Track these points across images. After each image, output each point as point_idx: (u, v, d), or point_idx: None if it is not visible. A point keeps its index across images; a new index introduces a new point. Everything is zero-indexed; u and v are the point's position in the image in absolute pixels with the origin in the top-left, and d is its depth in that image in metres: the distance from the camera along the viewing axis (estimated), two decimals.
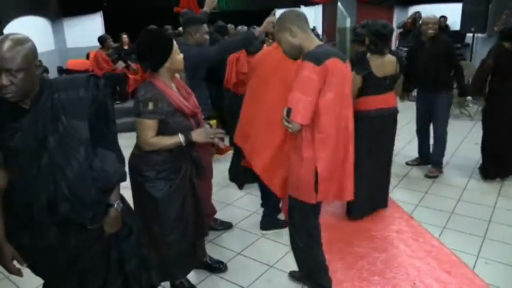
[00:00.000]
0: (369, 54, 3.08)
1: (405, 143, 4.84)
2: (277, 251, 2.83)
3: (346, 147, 2.03)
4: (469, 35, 7.34)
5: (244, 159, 2.60)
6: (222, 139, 2.09)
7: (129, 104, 6.50)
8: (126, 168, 1.72)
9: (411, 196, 3.62)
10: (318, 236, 2.21)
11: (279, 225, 3.09)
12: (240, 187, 3.89)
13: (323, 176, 1.96)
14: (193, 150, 2.13)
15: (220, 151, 4.76)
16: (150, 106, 1.91)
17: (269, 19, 2.70)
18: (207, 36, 2.79)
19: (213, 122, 3.94)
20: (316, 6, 9.39)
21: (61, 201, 1.44)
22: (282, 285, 2.51)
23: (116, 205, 1.63)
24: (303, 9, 9.17)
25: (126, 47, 7.18)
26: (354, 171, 2.11)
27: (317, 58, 1.84)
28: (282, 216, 3.19)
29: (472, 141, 5.04)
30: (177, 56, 2.00)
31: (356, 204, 3.11)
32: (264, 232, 3.08)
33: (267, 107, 2.42)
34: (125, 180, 1.66)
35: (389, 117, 3.16)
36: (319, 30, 9.59)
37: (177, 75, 2.15)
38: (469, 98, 6.72)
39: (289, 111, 1.85)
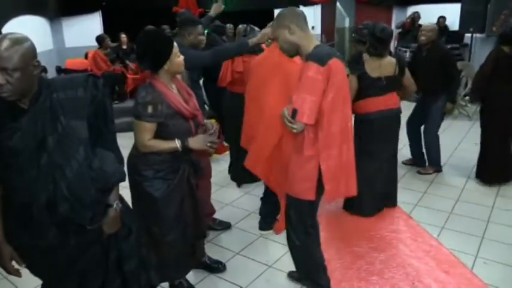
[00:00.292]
0: (365, 55, 3.07)
1: (404, 143, 4.83)
2: (276, 251, 2.83)
3: (348, 145, 2.05)
4: (468, 35, 7.35)
5: (249, 160, 2.61)
6: (214, 147, 2.09)
7: (128, 103, 6.48)
8: (125, 168, 1.72)
9: (410, 196, 3.62)
10: (315, 235, 2.22)
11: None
12: (239, 185, 3.92)
13: (329, 175, 1.97)
14: (191, 153, 2.12)
15: (219, 150, 4.76)
16: (150, 109, 1.90)
17: (265, 31, 2.72)
18: (201, 37, 2.79)
19: (212, 121, 3.95)
20: (315, 6, 9.39)
21: (60, 201, 1.44)
22: (280, 285, 2.51)
23: (115, 205, 1.63)
24: (302, 9, 9.17)
25: (124, 47, 7.18)
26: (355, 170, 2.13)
27: (321, 59, 1.85)
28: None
29: (471, 141, 5.05)
30: (177, 59, 1.99)
31: (358, 204, 3.17)
32: (263, 232, 3.08)
33: (268, 108, 2.43)
34: (124, 180, 1.65)
35: (391, 119, 3.15)
36: (318, 30, 9.59)
37: (178, 76, 2.15)
38: (468, 98, 6.75)
39: (294, 112, 1.86)
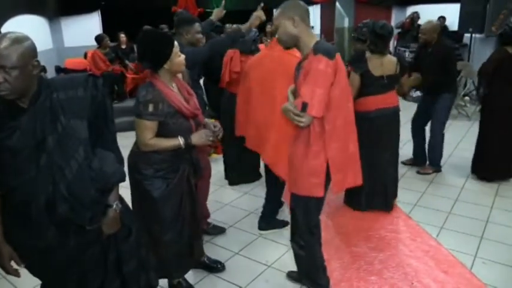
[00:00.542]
0: (368, 53, 3.09)
1: (403, 142, 4.83)
2: (276, 250, 2.83)
3: (353, 137, 2.07)
4: (467, 35, 7.35)
5: (269, 157, 2.65)
6: (218, 135, 2.13)
7: (128, 103, 6.48)
8: (125, 168, 1.72)
9: (409, 196, 3.62)
10: (318, 235, 2.22)
11: (277, 225, 3.10)
12: (231, 184, 3.93)
13: (337, 167, 1.98)
14: (192, 151, 2.14)
15: (218, 150, 4.76)
16: (150, 108, 1.92)
17: (256, 14, 2.71)
18: (199, 36, 2.80)
19: (211, 120, 3.96)
20: (314, 6, 9.39)
21: (60, 202, 1.44)
22: (280, 285, 2.51)
23: (114, 206, 1.62)
24: None
25: (123, 46, 7.17)
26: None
27: (330, 52, 1.86)
28: (280, 217, 3.20)
29: (470, 141, 5.04)
30: (177, 58, 1.99)
31: (361, 200, 3.24)
32: (262, 232, 3.08)
33: (278, 105, 2.45)
34: (123, 180, 1.65)
35: (391, 117, 3.17)
36: (317, 30, 9.59)
37: (179, 75, 2.15)
38: (467, 98, 6.76)
39: (305, 105, 1.82)
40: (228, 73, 3.63)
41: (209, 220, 3.10)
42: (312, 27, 9.20)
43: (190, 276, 2.50)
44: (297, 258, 2.30)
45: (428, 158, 4.18)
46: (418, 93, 6.67)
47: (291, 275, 2.52)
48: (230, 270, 2.63)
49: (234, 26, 4.40)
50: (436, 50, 3.76)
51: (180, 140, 1.99)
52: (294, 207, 2.16)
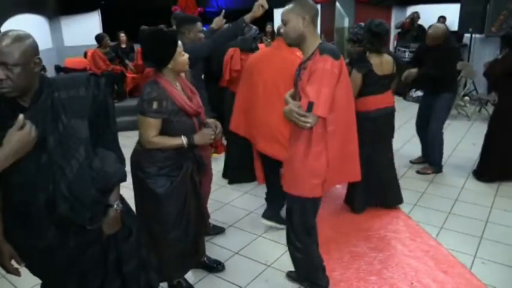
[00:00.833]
0: (367, 53, 3.10)
1: (403, 142, 4.85)
2: (275, 250, 2.83)
3: (353, 135, 2.07)
4: (467, 35, 7.35)
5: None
6: (219, 134, 2.16)
7: (127, 102, 6.48)
8: (127, 168, 1.72)
9: (409, 196, 3.62)
10: (315, 236, 2.22)
11: (280, 220, 3.11)
12: (231, 183, 3.94)
13: (335, 168, 1.98)
14: (195, 149, 2.15)
15: (218, 150, 4.76)
16: (155, 105, 1.94)
17: (258, 3, 2.70)
18: (201, 35, 2.80)
19: (212, 120, 3.98)
20: None
21: (60, 201, 1.44)
22: (279, 285, 2.51)
23: (115, 205, 1.62)
24: None
25: (123, 46, 7.18)
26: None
27: (335, 53, 1.87)
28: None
29: (470, 141, 5.06)
30: (181, 58, 2.02)
31: (358, 199, 3.25)
32: (262, 232, 3.08)
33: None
34: (124, 180, 1.65)
35: (388, 117, 3.19)
36: (318, 30, 9.60)
37: (182, 74, 2.17)
38: (467, 98, 6.76)
39: (311, 105, 1.81)
40: (228, 72, 3.63)
41: (209, 220, 3.10)
42: None
43: (190, 276, 2.50)
44: (295, 260, 2.29)
45: (428, 158, 4.19)
46: (418, 93, 6.68)
47: (290, 275, 2.52)
48: (230, 270, 2.63)
49: (226, 26, 4.41)
50: (440, 52, 3.74)
51: (183, 140, 2.01)
52: (290, 209, 2.15)
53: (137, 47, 6.71)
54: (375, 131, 3.10)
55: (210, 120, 2.24)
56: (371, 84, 3.04)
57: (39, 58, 1.41)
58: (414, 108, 4.36)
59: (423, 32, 7.56)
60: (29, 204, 1.44)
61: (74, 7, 7.97)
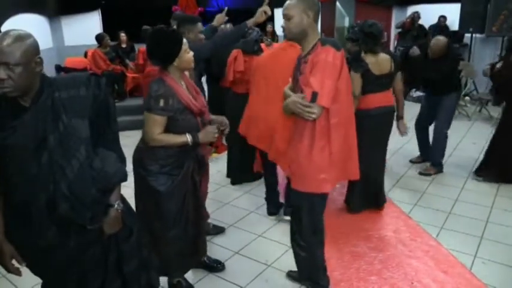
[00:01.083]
0: (363, 53, 3.12)
1: (403, 142, 4.84)
2: (275, 250, 2.83)
3: (352, 130, 2.07)
4: (468, 35, 7.35)
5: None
6: (223, 131, 2.19)
7: (128, 102, 6.49)
8: (128, 167, 1.72)
9: (409, 196, 3.62)
10: (321, 236, 2.21)
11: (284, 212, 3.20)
12: (234, 183, 3.97)
13: (337, 162, 1.97)
14: (197, 148, 2.17)
15: (219, 150, 4.76)
16: (161, 103, 1.95)
17: (262, 9, 2.72)
18: (201, 36, 2.81)
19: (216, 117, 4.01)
20: None
21: (61, 201, 1.44)
22: (280, 284, 2.51)
23: (116, 205, 1.62)
24: None
25: (124, 46, 7.17)
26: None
27: (336, 45, 1.87)
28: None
29: (470, 141, 5.06)
30: (186, 55, 2.04)
31: (355, 199, 3.26)
32: (262, 232, 3.08)
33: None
34: (125, 180, 1.65)
35: (387, 116, 3.19)
36: (318, 29, 9.60)
37: (187, 73, 2.19)
38: (467, 98, 6.75)
39: (315, 95, 1.79)
40: (232, 73, 3.65)
41: (209, 220, 3.11)
42: None
43: (190, 275, 2.50)
44: (297, 258, 2.29)
45: (430, 158, 4.19)
46: (418, 93, 6.67)
47: (290, 275, 2.52)
48: (230, 270, 2.64)
49: (228, 25, 4.42)
50: (443, 61, 3.75)
51: (188, 137, 2.02)
52: (298, 206, 2.14)
53: (138, 47, 6.71)
54: (374, 130, 3.10)
55: (216, 117, 2.25)
56: (368, 83, 3.05)
57: (40, 58, 1.41)
58: (414, 108, 4.37)
59: (424, 32, 7.58)
60: (30, 204, 1.44)
61: (74, 7, 7.97)
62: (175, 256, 2.22)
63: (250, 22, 2.76)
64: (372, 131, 3.08)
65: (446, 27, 7.61)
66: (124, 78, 6.70)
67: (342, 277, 2.54)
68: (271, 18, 8.03)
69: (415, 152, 4.47)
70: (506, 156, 3.74)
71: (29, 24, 6.44)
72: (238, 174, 4.02)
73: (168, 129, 2.01)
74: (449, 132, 4.05)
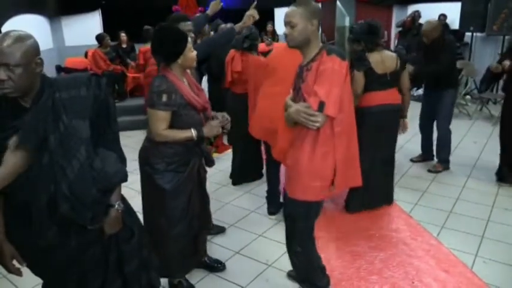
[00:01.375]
0: (367, 53, 3.11)
1: (405, 141, 4.84)
2: (276, 250, 2.83)
3: (354, 137, 2.07)
4: (468, 34, 7.34)
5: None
6: (226, 125, 2.22)
7: (128, 102, 6.49)
8: (129, 168, 1.72)
9: (410, 195, 3.62)
10: (314, 238, 2.21)
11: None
12: (234, 184, 3.99)
13: (341, 169, 1.96)
14: (201, 144, 2.20)
15: (219, 150, 4.77)
16: (164, 98, 1.98)
17: (249, 13, 2.74)
18: (191, 34, 2.82)
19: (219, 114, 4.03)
20: None
21: (61, 201, 1.44)
22: (280, 284, 2.51)
23: (116, 206, 1.63)
24: None
25: (124, 46, 7.18)
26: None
27: (342, 54, 1.87)
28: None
29: (471, 140, 5.05)
30: (190, 53, 2.07)
31: (355, 199, 3.24)
32: (263, 232, 3.08)
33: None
34: (125, 180, 1.65)
35: (392, 114, 3.18)
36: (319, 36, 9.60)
37: (188, 71, 2.22)
38: (468, 97, 6.75)
39: (322, 104, 1.78)
40: (230, 73, 3.65)
41: None
42: None
43: (190, 275, 2.50)
44: (295, 264, 2.28)
45: (437, 156, 4.20)
46: (419, 92, 6.67)
47: (291, 275, 2.52)
48: (230, 270, 2.64)
49: (228, 25, 4.43)
50: (438, 48, 3.75)
51: (193, 132, 2.05)
52: (293, 214, 2.12)
53: (138, 47, 6.72)
54: (376, 127, 3.09)
55: (217, 113, 2.27)
56: (370, 82, 3.05)
57: (40, 58, 1.41)
58: (416, 107, 4.36)
59: None
60: (30, 204, 1.45)
61: (74, 7, 7.98)
62: (178, 254, 2.23)
63: (237, 27, 2.81)
64: (374, 128, 3.08)
65: (447, 25, 7.59)
66: (124, 78, 6.71)
67: (343, 276, 2.53)
68: (271, 18, 8.02)
69: (416, 151, 4.47)
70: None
71: (30, 24, 6.44)
72: (237, 175, 4.01)
73: (172, 125, 2.04)
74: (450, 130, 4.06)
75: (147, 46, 5.61)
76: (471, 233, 2.99)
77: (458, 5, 7.13)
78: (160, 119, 2.00)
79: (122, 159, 1.67)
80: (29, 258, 1.57)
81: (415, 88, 6.84)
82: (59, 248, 1.53)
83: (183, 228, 2.18)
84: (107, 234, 1.62)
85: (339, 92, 1.83)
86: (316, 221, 2.18)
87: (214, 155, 4.57)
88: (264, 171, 4.12)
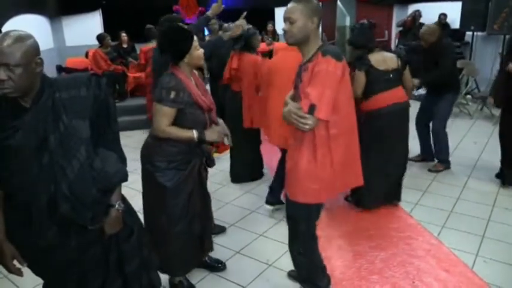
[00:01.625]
0: (367, 54, 3.14)
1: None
2: (276, 250, 2.83)
3: (355, 137, 2.05)
4: (469, 33, 7.33)
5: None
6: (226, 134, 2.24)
7: (129, 102, 6.49)
8: (130, 167, 1.72)
9: (410, 194, 3.62)
10: (317, 238, 2.21)
11: (280, 202, 3.25)
12: (234, 181, 4.02)
13: (340, 171, 1.96)
14: (203, 145, 2.22)
15: (219, 149, 4.77)
16: (172, 95, 2.00)
17: (238, 23, 2.76)
18: None
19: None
20: None
21: (61, 201, 1.44)
22: (281, 284, 2.51)
23: (116, 205, 1.63)
24: None
25: (125, 46, 7.18)
26: (363, 163, 2.13)
27: (338, 55, 1.84)
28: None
29: (471, 139, 5.05)
30: (196, 52, 2.09)
31: (368, 196, 3.22)
32: (263, 232, 3.08)
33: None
34: (126, 180, 1.66)
35: (399, 113, 3.17)
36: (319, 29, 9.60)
37: (195, 71, 2.24)
38: (469, 97, 6.74)
39: (312, 107, 1.77)
40: (228, 70, 3.72)
41: None
42: None
43: (191, 275, 2.50)
44: (297, 264, 2.27)
45: (436, 157, 4.21)
46: (420, 92, 6.66)
47: (291, 274, 2.52)
48: (231, 270, 2.64)
49: (231, 25, 4.43)
50: (436, 51, 3.76)
51: (194, 133, 2.06)
52: (294, 216, 2.11)
53: (139, 47, 6.72)
54: (387, 128, 3.10)
55: (221, 121, 2.28)
56: (375, 81, 3.05)
57: (40, 58, 1.41)
58: (417, 106, 4.35)
59: None
60: (31, 204, 1.45)
61: (75, 7, 7.98)
62: (180, 252, 2.24)
63: (226, 35, 2.85)
64: (385, 130, 3.09)
65: (447, 25, 7.59)
66: (125, 78, 6.71)
67: (343, 276, 2.53)
68: (272, 17, 8.01)
69: (415, 150, 4.46)
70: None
71: (30, 24, 6.45)
72: (239, 173, 4.02)
73: (176, 123, 2.05)
74: (450, 131, 4.06)
75: (149, 45, 5.62)
76: (472, 232, 2.99)
77: (459, 4, 7.11)
78: (166, 115, 2.02)
79: (122, 159, 1.67)
80: (29, 258, 1.58)
81: (416, 88, 6.84)
82: (59, 248, 1.53)
83: (183, 226, 2.19)
84: (107, 234, 1.62)
85: (332, 94, 1.81)
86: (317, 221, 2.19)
87: (215, 155, 4.55)
88: (264, 170, 4.13)
